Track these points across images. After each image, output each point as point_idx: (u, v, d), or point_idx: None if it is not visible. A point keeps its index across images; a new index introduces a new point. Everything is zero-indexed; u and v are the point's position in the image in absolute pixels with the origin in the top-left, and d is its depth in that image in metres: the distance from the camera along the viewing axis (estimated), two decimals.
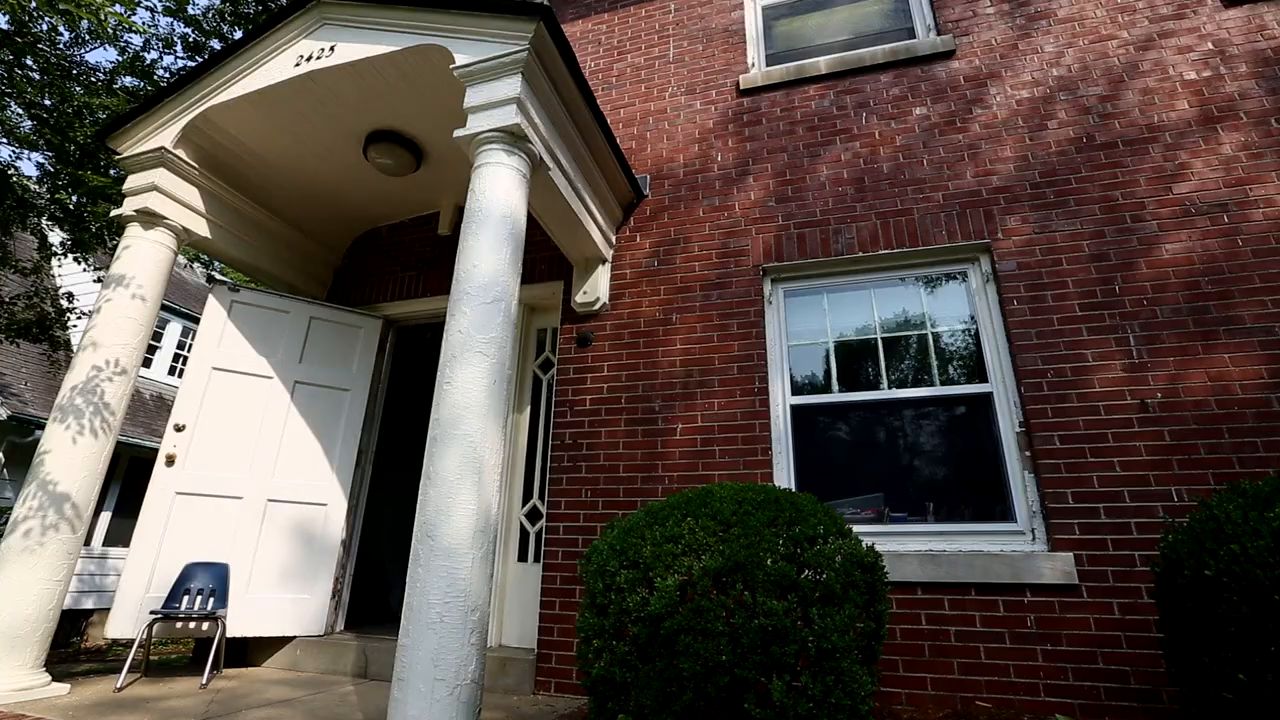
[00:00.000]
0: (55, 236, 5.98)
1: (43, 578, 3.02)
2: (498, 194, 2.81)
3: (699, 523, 1.98)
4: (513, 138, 2.91)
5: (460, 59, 3.03)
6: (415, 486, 6.34)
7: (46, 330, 5.83)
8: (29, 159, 5.85)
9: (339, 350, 4.51)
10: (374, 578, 5.39)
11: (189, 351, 12.36)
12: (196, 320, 11.75)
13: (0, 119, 5.69)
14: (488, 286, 2.64)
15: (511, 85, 2.93)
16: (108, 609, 9.63)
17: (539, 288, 4.29)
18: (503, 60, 2.95)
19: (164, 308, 11.20)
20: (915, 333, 3.65)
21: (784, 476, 3.47)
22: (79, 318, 6.10)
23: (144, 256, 3.62)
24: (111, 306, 3.45)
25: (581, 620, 2.08)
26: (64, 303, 5.96)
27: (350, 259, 5.12)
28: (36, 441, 7.86)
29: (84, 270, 5.55)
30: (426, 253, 4.80)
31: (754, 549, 1.86)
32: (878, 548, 2.45)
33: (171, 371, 11.55)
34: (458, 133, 2.95)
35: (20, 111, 6.04)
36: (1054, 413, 3.16)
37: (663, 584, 1.85)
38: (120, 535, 9.29)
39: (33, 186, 6.01)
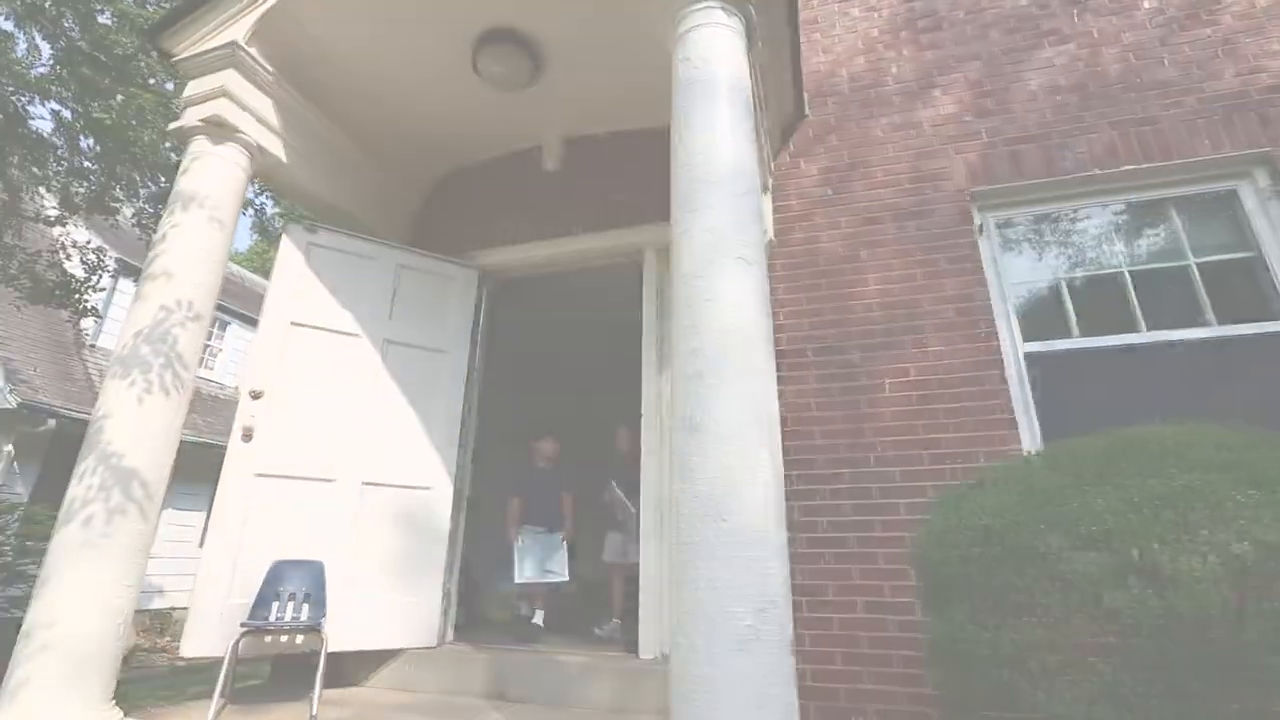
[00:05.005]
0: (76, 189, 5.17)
1: (111, 580, 2.29)
2: (722, 58, 2.11)
3: (1196, 477, 1.28)
4: None
5: None
6: (510, 469, 5.50)
7: (73, 294, 5.02)
8: (43, 105, 4.98)
9: (432, 305, 3.78)
10: (463, 576, 4.66)
11: (206, 338, 11.55)
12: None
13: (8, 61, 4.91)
14: (736, 174, 1.93)
15: None
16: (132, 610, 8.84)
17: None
18: None
19: None
20: (1172, 263, 2.96)
21: (1029, 440, 2.79)
22: (113, 277, 5.30)
23: (215, 173, 2.88)
24: (181, 232, 2.71)
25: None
26: (94, 258, 5.14)
27: (434, 201, 4.37)
28: (49, 431, 7.04)
29: (111, 225, 4.77)
30: (529, 191, 4.06)
31: None
32: None
33: None
34: None
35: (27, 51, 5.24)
36: None
37: (1179, 566, 1.15)
38: None
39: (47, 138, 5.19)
